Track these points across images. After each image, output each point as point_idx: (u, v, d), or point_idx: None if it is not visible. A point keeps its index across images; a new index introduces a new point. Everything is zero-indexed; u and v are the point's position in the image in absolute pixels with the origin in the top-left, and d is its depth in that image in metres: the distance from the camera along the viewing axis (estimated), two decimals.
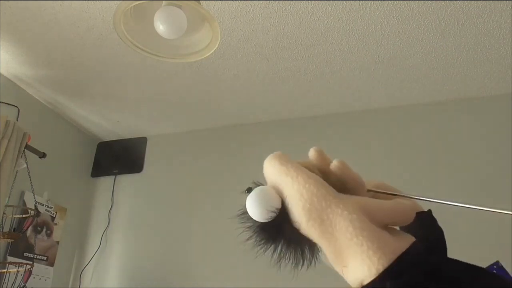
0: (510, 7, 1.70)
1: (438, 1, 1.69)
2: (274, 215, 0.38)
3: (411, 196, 0.42)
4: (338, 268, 0.37)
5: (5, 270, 2.07)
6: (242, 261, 2.36)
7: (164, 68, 2.18)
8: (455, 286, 0.31)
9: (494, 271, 1.86)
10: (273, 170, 0.40)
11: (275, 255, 0.40)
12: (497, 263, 1.90)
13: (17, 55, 2.14)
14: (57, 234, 2.54)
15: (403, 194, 0.42)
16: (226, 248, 2.41)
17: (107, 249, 2.66)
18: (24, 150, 2.14)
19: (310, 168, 0.40)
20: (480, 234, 1.96)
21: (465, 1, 1.68)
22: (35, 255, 2.36)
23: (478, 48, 1.94)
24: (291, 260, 0.40)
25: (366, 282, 0.33)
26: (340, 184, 0.39)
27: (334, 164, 0.40)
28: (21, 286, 2.09)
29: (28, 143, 2.18)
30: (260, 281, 2.27)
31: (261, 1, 1.73)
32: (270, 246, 0.40)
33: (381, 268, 0.32)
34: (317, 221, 0.36)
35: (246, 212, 0.41)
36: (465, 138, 2.24)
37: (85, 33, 1.95)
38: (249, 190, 0.41)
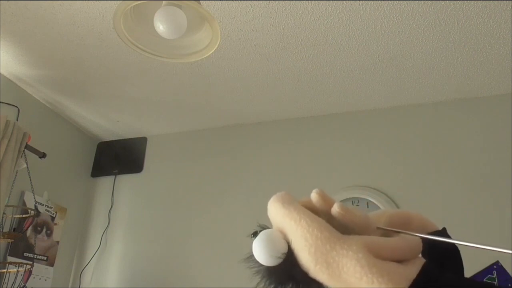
0: (510, 7, 1.70)
1: (438, 1, 1.69)
2: (280, 260, 0.38)
3: (420, 236, 0.41)
4: None
5: (5, 270, 2.07)
6: (242, 261, 2.36)
7: (164, 68, 2.18)
8: None
9: (494, 271, 1.87)
10: (276, 213, 0.40)
11: None
12: (497, 263, 1.90)
13: (17, 55, 2.14)
14: (57, 234, 2.54)
15: (411, 233, 0.41)
16: (226, 248, 2.41)
17: (107, 249, 2.66)
18: (24, 150, 2.14)
19: (314, 208, 0.40)
20: (480, 234, 1.96)
21: (465, 1, 1.68)
22: (35, 255, 2.36)
23: (478, 48, 1.94)
24: None
25: None
26: (344, 226, 0.39)
27: (334, 210, 0.39)
28: (21, 286, 2.09)
29: (28, 143, 2.18)
30: (260, 281, 2.27)
31: (261, 1, 1.73)
32: None
33: None
34: (324, 265, 0.36)
35: (253, 256, 0.40)
36: (465, 138, 2.23)
37: (85, 33, 1.95)
38: (255, 234, 0.41)
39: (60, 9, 1.82)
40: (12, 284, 2.04)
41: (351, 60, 2.07)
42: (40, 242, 2.41)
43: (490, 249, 0.38)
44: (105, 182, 2.87)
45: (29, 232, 2.35)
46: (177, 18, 1.15)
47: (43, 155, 2.32)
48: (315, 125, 2.56)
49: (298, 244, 0.37)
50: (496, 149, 2.14)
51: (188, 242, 2.51)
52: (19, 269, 2.06)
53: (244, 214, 2.45)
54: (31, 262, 2.14)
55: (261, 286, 0.40)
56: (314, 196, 0.41)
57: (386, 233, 0.41)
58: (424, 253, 0.39)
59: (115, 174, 2.85)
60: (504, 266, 1.88)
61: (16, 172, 2.13)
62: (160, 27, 1.15)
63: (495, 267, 1.88)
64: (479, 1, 1.68)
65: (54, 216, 2.53)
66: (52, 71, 2.27)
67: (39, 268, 2.36)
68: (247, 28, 1.88)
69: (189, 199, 2.62)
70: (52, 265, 2.49)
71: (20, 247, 2.29)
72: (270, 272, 0.40)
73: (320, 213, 0.40)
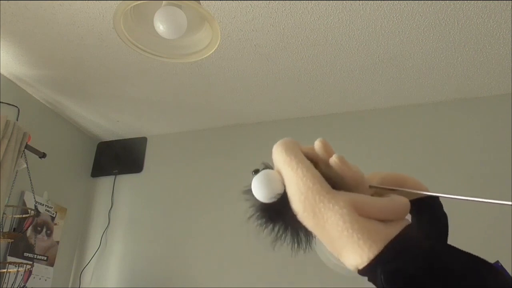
0: (510, 7, 1.70)
1: (438, 1, 1.69)
2: (275, 200, 0.41)
3: (412, 191, 0.43)
4: (335, 255, 0.39)
5: (5, 270, 2.07)
6: (242, 261, 2.36)
7: (164, 68, 2.18)
8: (447, 273, 0.32)
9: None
10: (278, 157, 0.42)
11: (273, 236, 0.43)
12: (497, 263, 1.90)
13: (17, 55, 2.14)
14: (57, 234, 2.54)
15: (404, 189, 0.43)
16: (226, 248, 2.41)
17: (107, 249, 2.66)
18: (24, 150, 2.14)
19: (315, 158, 0.42)
20: (480, 234, 1.96)
21: (465, 1, 1.68)
22: (35, 255, 2.36)
23: (478, 48, 1.94)
24: (286, 242, 0.43)
25: (360, 268, 0.36)
26: (340, 178, 0.41)
27: (332, 160, 0.41)
28: (21, 286, 2.09)
29: (28, 143, 2.18)
30: (260, 282, 2.27)
31: (261, 1, 1.73)
32: (269, 226, 0.43)
33: (371, 256, 0.34)
34: (311, 214, 0.38)
35: (250, 190, 0.43)
36: (465, 138, 2.23)
37: (85, 33, 1.95)
38: (256, 171, 0.44)
39: (60, 9, 1.82)
40: (12, 284, 2.04)
41: (351, 60, 2.07)
42: (40, 242, 2.41)
43: (487, 202, 0.38)
44: (105, 182, 2.87)
45: (29, 232, 2.35)
46: (177, 18, 1.15)
47: (43, 155, 2.32)
48: (315, 125, 2.56)
49: (291, 190, 0.40)
50: (496, 149, 2.14)
51: (188, 242, 2.51)
52: (19, 269, 2.06)
53: (244, 213, 2.45)
54: (31, 262, 2.14)
55: (253, 220, 0.43)
56: (317, 144, 0.43)
57: (379, 192, 0.43)
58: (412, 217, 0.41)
59: (115, 174, 2.85)
60: (505, 266, 1.88)
61: (16, 172, 2.13)
62: (160, 27, 1.15)
63: None
64: (479, 1, 1.68)
65: (54, 216, 2.53)
66: (52, 71, 2.27)
67: (39, 268, 2.36)
68: (247, 28, 1.88)
69: (189, 199, 2.62)
70: (52, 265, 2.49)
71: (20, 247, 2.29)
72: (263, 209, 0.43)
73: (319, 162, 0.42)
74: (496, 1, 1.67)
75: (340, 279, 2.14)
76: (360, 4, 1.72)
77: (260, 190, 0.42)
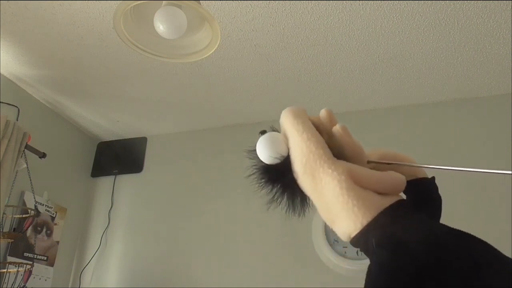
0: (510, 7, 1.70)
1: (438, 1, 1.69)
2: (278, 161, 0.42)
3: (409, 164, 0.44)
4: (328, 223, 0.40)
5: (5, 270, 2.07)
6: (242, 261, 2.36)
7: (164, 68, 2.18)
8: (438, 240, 0.32)
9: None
10: (286, 121, 0.44)
11: (269, 196, 0.44)
12: None
13: (17, 55, 2.14)
14: (57, 234, 2.55)
15: (402, 163, 0.44)
16: (226, 248, 2.41)
17: (107, 249, 2.66)
18: (24, 150, 2.14)
19: (321, 127, 0.43)
20: (479, 233, 1.96)
21: (465, 1, 1.68)
22: (35, 255, 2.36)
23: (478, 48, 1.94)
24: (282, 205, 0.44)
25: (352, 235, 0.36)
26: (340, 148, 0.42)
27: (336, 129, 0.42)
28: (21, 286, 2.09)
29: (28, 143, 2.18)
30: (260, 282, 2.27)
31: (261, 1, 1.73)
32: (268, 187, 0.44)
33: (365, 222, 0.35)
34: (310, 177, 0.39)
35: (254, 151, 0.44)
36: (465, 138, 2.24)
37: (85, 33, 1.95)
38: (263, 132, 0.45)
39: (60, 9, 1.82)
40: (12, 284, 2.04)
41: (351, 60, 2.07)
42: (40, 242, 2.41)
43: (487, 172, 0.39)
44: (105, 182, 2.87)
45: (29, 232, 2.35)
46: (177, 18, 1.15)
47: (43, 155, 2.32)
48: None
49: (294, 152, 0.41)
50: (496, 149, 2.14)
51: (188, 242, 2.51)
52: (19, 269, 2.06)
53: (244, 214, 2.45)
54: (31, 262, 2.14)
55: (254, 179, 0.44)
56: (323, 112, 0.45)
57: (377, 168, 0.43)
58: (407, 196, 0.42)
59: (115, 174, 2.85)
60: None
61: (16, 172, 2.13)
62: (160, 27, 1.15)
63: None
64: (479, 1, 1.68)
65: (54, 216, 2.53)
66: (52, 71, 2.27)
67: (39, 268, 2.36)
68: (247, 28, 1.88)
69: (189, 199, 2.62)
70: (52, 265, 2.49)
71: (20, 247, 2.29)
72: (265, 169, 0.44)
73: (322, 131, 0.43)
74: (496, 1, 1.67)
75: (340, 279, 2.14)
76: (360, 4, 1.72)
77: (265, 150, 0.43)
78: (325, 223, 2.25)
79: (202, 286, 2.36)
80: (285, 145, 0.42)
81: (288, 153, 0.42)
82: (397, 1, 1.70)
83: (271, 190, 0.44)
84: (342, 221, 0.37)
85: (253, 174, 0.45)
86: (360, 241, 0.36)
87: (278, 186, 0.44)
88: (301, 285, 2.20)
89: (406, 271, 0.30)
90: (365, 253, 0.36)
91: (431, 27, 1.83)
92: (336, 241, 2.19)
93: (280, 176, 0.43)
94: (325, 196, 0.38)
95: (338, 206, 0.37)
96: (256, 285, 2.24)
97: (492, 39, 1.88)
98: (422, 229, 0.33)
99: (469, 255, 0.31)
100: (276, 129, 0.45)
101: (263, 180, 0.44)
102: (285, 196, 0.44)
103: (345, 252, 2.16)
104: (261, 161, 0.44)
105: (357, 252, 2.15)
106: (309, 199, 0.42)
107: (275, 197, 0.44)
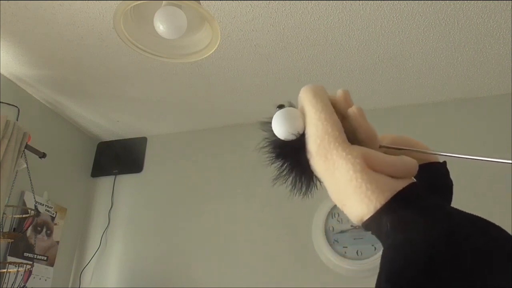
0: (510, 7, 1.70)
1: (438, 1, 1.69)
2: (293, 137, 0.41)
3: (421, 151, 0.44)
4: (338, 205, 0.39)
5: (5, 270, 2.07)
6: (242, 261, 2.36)
7: (164, 68, 2.18)
8: (453, 223, 0.32)
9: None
10: (305, 98, 0.43)
11: (277, 172, 0.43)
12: None
13: (17, 55, 2.14)
14: (57, 234, 2.54)
15: (414, 149, 0.44)
16: (226, 248, 2.41)
17: (107, 249, 2.66)
18: (24, 150, 2.14)
19: (338, 108, 0.42)
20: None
21: (465, 1, 1.68)
22: (35, 255, 2.36)
23: (478, 48, 1.94)
24: (288, 182, 0.43)
25: (365, 218, 0.36)
26: (353, 132, 0.41)
27: (351, 109, 0.42)
28: (21, 286, 2.09)
29: (28, 143, 2.18)
30: (260, 282, 2.27)
31: (261, 1, 1.73)
32: (278, 162, 0.43)
33: (378, 206, 0.35)
34: (322, 158, 0.39)
35: (269, 123, 0.43)
36: (465, 138, 2.24)
37: (85, 33, 1.95)
38: (280, 106, 0.44)
39: (60, 9, 1.82)
40: (12, 284, 2.04)
41: (351, 60, 2.07)
42: (40, 242, 2.41)
43: (491, 161, 0.40)
44: (105, 182, 2.87)
45: (29, 232, 2.35)
46: (177, 18, 1.15)
47: (43, 155, 2.32)
48: None
49: (310, 131, 0.40)
50: (496, 149, 2.14)
51: (188, 242, 2.51)
52: (19, 269, 2.06)
53: (244, 214, 2.45)
54: (31, 262, 2.14)
55: (265, 152, 0.44)
56: (339, 92, 0.43)
57: (389, 153, 0.43)
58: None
59: (115, 174, 2.85)
60: None
61: (16, 172, 2.13)
62: (160, 27, 1.15)
63: None
64: (479, 1, 1.68)
65: (54, 216, 2.53)
66: (52, 71, 2.27)
67: (39, 268, 2.36)
68: (247, 28, 1.88)
69: (189, 199, 2.62)
70: (52, 265, 2.48)
71: (20, 247, 2.29)
72: (278, 145, 0.43)
73: (337, 112, 0.42)
74: (496, 1, 1.67)
75: (340, 279, 2.14)
76: (360, 4, 1.72)
77: (281, 125, 0.42)
78: (325, 223, 2.26)
79: (202, 286, 2.36)
80: (302, 122, 0.42)
81: (304, 130, 0.41)
82: (397, 1, 1.70)
83: (281, 165, 0.43)
84: (354, 204, 0.36)
85: (265, 147, 0.44)
86: (373, 224, 0.36)
87: (289, 162, 0.43)
88: (301, 285, 2.20)
89: (421, 254, 0.30)
90: (377, 237, 0.36)
91: (431, 27, 1.83)
92: (336, 241, 2.19)
93: (292, 153, 0.42)
94: (337, 179, 0.38)
95: (350, 189, 0.37)
96: (256, 285, 2.24)
97: (492, 39, 1.88)
98: (436, 213, 0.33)
99: (485, 240, 0.31)
100: (293, 104, 0.44)
101: (274, 155, 0.43)
102: (293, 174, 0.43)
103: (345, 252, 2.16)
104: (275, 135, 0.43)
105: (357, 252, 2.15)
106: (316, 180, 0.42)
107: (283, 174, 0.43)
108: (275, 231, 2.35)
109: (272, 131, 0.43)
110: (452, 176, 0.47)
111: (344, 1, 1.71)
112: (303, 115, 0.42)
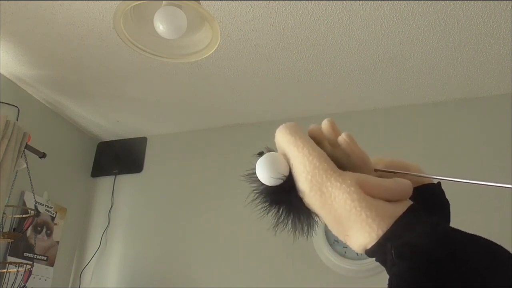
0: (510, 7, 1.70)
1: (438, 1, 1.69)
2: (280, 181, 0.40)
3: (416, 174, 0.44)
4: (340, 237, 0.38)
5: (5, 270, 2.07)
6: (243, 261, 2.36)
7: (164, 68, 2.18)
8: (457, 246, 0.32)
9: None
10: (283, 139, 0.42)
11: (275, 219, 0.43)
12: None
13: (17, 55, 2.14)
14: (57, 234, 2.54)
15: (409, 173, 0.44)
16: (226, 248, 2.41)
17: (107, 249, 2.66)
18: (24, 150, 2.14)
19: (320, 138, 0.42)
20: (479, 233, 1.96)
21: (465, 1, 1.68)
22: (35, 255, 2.36)
23: (478, 48, 1.94)
24: (288, 226, 0.42)
25: (369, 246, 0.36)
26: (346, 158, 0.41)
27: (341, 137, 0.41)
28: (21, 286, 2.09)
29: (28, 143, 2.18)
30: (260, 282, 2.27)
31: (261, 1, 1.73)
32: (273, 209, 0.42)
33: (381, 233, 0.35)
34: (318, 193, 0.38)
35: (254, 173, 0.42)
36: (465, 138, 2.24)
37: (85, 33, 1.95)
38: (260, 154, 0.43)
39: (60, 9, 1.82)
40: (12, 284, 2.04)
41: (351, 60, 2.07)
42: (40, 242, 2.41)
43: (489, 185, 0.40)
44: (105, 182, 2.87)
45: (29, 232, 2.35)
46: (177, 18, 1.15)
47: (43, 155, 2.32)
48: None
49: (297, 170, 0.40)
50: (496, 149, 2.14)
51: (188, 242, 2.51)
52: (19, 269, 2.06)
53: (243, 214, 2.45)
54: (31, 262, 2.14)
55: (257, 203, 0.42)
56: (325, 123, 0.43)
57: (383, 177, 0.43)
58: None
59: (115, 174, 2.85)
60: None
61: (16, 172, 2.13)
62: (160, 27, 1.15)
63: None
64: (479, 1, 1.68)
65: (54, 216, 2.53)
66: (52, 71, 2.27)
67: (39, 268, 2.36)
68: (247, 28, 1.88)
69: (189, 199, 2.62)
70: (52, 265, 2.49)
71: (20, 247, 2.29)
72: (268, 192, 0.42)
73: (323, 142, 0.42)
74: (496, 1, 1.67)
75: (340, 279, 2.14)
76: (360, 4, 1.72)
77: (265, 171, 0.41)
78: (326, 224, 2.26)
79: (202, 286, 2.36)
80: (286, 163, 0.41)
81: (290, 172, 0.40)
82: (397, 1, 1.70)
83: (277, 212, 0.42)
84: (356, 233, 0.36)
85: (256, 198, 0.43)
86: (377, 251, 0.35)
87: (284, 206, 0.42)
88: (301, 285, 2.20)
89: (428, 284, 0.30)
90: (381, 264, 0.35)
91: (431, 27, 1.83)
92: (336, 241, 2.19)
93: (284, 197, 0.41)
94: (336, 210, 0.37)
95: (350, 219, 0.36)
96: (256, 285, 2.24)
97: (492, 39, 1.88)
98: (440, 235, 0.33)
99: (489, 260, 0.31)
100: (271, 149, 0.44)
101: (267, 203, 0.42)
102: (291, 217, 0.42)
103: (345, 252, 2.16)
104: (262, 184, 0.42)
105: (357, 252, 2.15)
106: (316, 216, 0.41)
107: (282, 219, 0.42)
108: (275, 231, 2.34)
109: (258, 180, 0.42)
110: (449, 195, 0.47)
111: (344, 1, 1.71)
112: (285, 156, 0.41)
